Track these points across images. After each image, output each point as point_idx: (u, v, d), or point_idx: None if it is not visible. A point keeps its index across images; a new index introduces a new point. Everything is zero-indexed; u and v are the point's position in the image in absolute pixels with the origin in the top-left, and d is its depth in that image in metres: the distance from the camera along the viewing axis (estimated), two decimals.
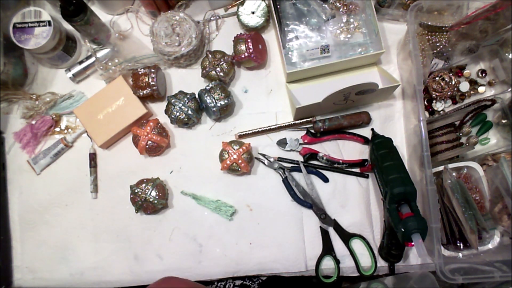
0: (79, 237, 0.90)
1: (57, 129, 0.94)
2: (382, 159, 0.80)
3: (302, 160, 0.90)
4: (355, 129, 0.91)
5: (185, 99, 0.88)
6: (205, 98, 0.87)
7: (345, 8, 0.91)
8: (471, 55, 0.91)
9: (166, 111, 0.89)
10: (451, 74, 0.89)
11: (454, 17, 0.88)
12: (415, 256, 0.86)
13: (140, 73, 0.88)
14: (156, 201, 0.84)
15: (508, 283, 0.75)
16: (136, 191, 0.85)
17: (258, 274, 0.87)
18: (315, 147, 0.90)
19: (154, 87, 0.88)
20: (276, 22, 0.88)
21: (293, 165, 0.89)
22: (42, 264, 0.89)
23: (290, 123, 0.91)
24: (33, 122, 0.92)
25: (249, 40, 0.88)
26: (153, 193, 0.84)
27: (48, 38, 0.84)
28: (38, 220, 0.91)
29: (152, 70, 0.88)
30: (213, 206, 0.88)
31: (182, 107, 0.87)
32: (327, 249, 0.85)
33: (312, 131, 0.90)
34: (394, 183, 0.75)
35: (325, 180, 0.89)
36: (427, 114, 0.92)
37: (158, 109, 0.94)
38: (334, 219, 0.87)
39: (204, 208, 0.89)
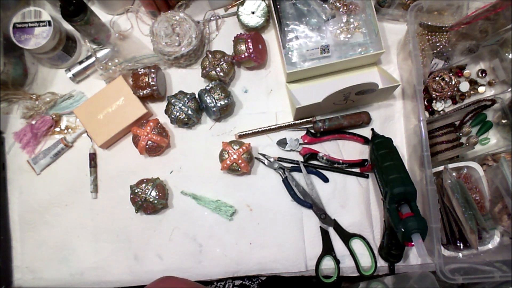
0: (79, 237, 0.90)
1: (57, 129, 0.94)
2: (382, 159, 0.80)
3: (302, 160, 0.90)
4: (355, 129, 0.91)
5: (185, 99, 0.88)
6: (205, 98, 0.87)
7: (345, 8, 0.91)
8: (471, 55, 0.91)
9: (166, 111, 0.89)
10: (451, 74, 0.89)
11: (454, 17, 0.88)
12: (415, 256, 0.86)
13: (140, 73, 0.88)
14: (156, 201, 0.84)
15: (508, 283, 0.75)
16: (136, 191, 0.85)
17: (258, 274, 0.87)
18: (315, 147, 0.90)
19: (154, 87, 0.88)
20: (276, 22, 0.88)
21: (293, 165, 0.89)
22: (42, 264, 0.89)
23: (290, 123, 0.91)
24: (33, 122, 0.92)
25: (249, 40, 0.88)
26: (153, 193, 0.84)
27: (48, 38, 0.84)
28: (38, 220, 0.91)
29: (152, 70, 0.88)
30: (213, 206, 0.88)
31: (182, 107, 0.87)
32: (327, 249, 0.85)
33: (312, 131, 0.90)
34: (394, 183, 0.75)
35: (325, 180, 0.89)
36: (427, 114, 0.92)
37: (158, 109, 0.94)
38: (334, 219, 0.87)
39: (204, 208, 0.89)
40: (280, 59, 0.92)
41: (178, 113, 0.87)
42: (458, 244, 0.82)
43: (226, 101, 0.87)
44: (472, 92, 0.91)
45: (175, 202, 0.90)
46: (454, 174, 0.85)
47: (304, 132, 0.91)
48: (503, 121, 0.88)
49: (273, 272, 0.87)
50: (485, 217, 0.83)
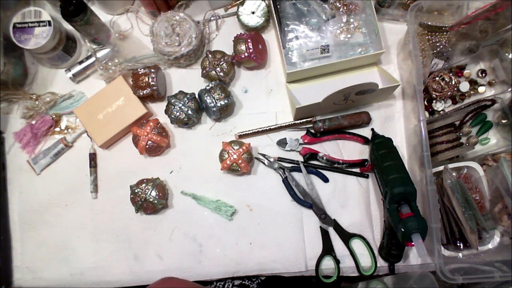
0: (79, 237, 0.90)
1: (57, 129, 0.94)
2: (382, 159, 0.80)
3: (302, 160, 0.90)
4: (355, 129, 0.91)
5: (185, 99, 0.88)
6: (205, 98, 0.87)
7: (345, 8, 0.91)
8: (471, 55, 0.91)
9: (166, 111, 0.89)
10: (451, 74, 0.89)
11: (454, 17, 0.88)
12: (415, 256, 0.86)
13: (140, 73, 0.88)
14: (156, 201, 0.84)
15: (508, 283, 0.75)
16: (136, 191, 0.85)
17: (258, 274, 0.87)
18: (315, 147, 0.90)
19: (154, 87, 0.88)
20: (276, 22, 0.88)
21: (293, 165, 0.89)
22: (42, 264, 0.89)
23: (290, 123, 0.91)
24: (33, 122, 0.92)
25: (249, 40, 0.88)
26: (153, 193, 0.84)
27: (48, 38, 0.84)
28: (38, 220, 0.91)
29: (152, 70, 0.88)
30: (213, 206, 0.88)
31: (182, 107, 0.87)
32: (327, 249, 0.85)
33: (312, 131, 0.90)
34: (394, 183, 0.75)
35: (325, 180, 0.89)
36: (427, 114, 0.92)
37: (158, 109, 0.94)
38: (334, 219, 0.87)
39: (204, 208, 0.89)
40: (280, 59, 0.92)
41: (178, 113, 0.87)
42: (458, 244, 0.82)
43: (226, 101, 0.87)
44: (472, 92, 0.91)
45: (175, 202, 0.90)
46: (454, 174, 0.85)
47: (304, 132, 0.91)
48: (503, 121, 0.88)
49: (273, 272, 0.87)
50: (485, 217, 0.83)
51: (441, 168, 0.84)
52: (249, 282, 0.86)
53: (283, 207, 0.88)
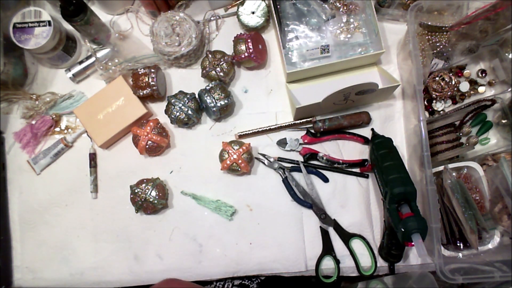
0: (79, 237, 0.90)
1: (57, 129, 0.94)
2: (382, 159, 0.80)
3: (302, 160, 0.90)
4: (355, 129, 0.91)
5: (185, 99, 0.88)
6: (205, 98, 0.87)
7: (345, 8, 0.91)
8: (471, 55, 0.91)
9: (166, 111, 0.89)
10: (451, 74, 0.89)
11: (454, 17, 0.88)
12: (415, 256, 0.86)
13: (140, 73, 0.88)
14: (156, 201, 0.84)
15: (508, 283, 0.75)
16: (136, 191, 0.85)
17: (258, 274, 0.87)
18: (315, 147, 0.90)
19: (154, 87, 0.88)
20: (276, 22, 0.88)
21: (293, 165, 0.89)
22: (42, 264, 0.89)
23: (290, 123, 0.91)
24: (33, 122, 0.92)
25: (249, 40, 0.88)
26: (153, 193, 0.84)
27: (48, 38, 0.84)
28: (38, 220, 0.91)
29: (152, 70, 0.88)
30: (213, 206, 0.88)
31: (182, 107, 0.87)
32: (327, 249, 0.85)
33: (312, 131, 0.90)
34: (394, 183, 0.75)
35: (325, 180, 0.89)
36: (427, 114, 0.92)
37: (158, 109, 0.94)
38: (334, 219, 0.87)
39: (204, 208, 0.89)
40: (280, 59, 0.92)
41: (178, 113, 0.87)
42: (458, 244, 0.82)
43: (226, 101, 0.87)
44: (472, 92, 0.91)
45: (175, 202, 0.90)
46: (454, 174, 0.85)
47: (304, 132, 0.91)
48: (503, 121, 0.88)
49: (273, 272, 0.87)
50: (485, 217, 0.83)
51: (441, 168, 0.84)
52: (249, 282, 0.86)
53: (283, 207, 0.88)
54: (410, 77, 0.85)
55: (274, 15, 0.89)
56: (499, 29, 0.85)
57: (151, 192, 0.84)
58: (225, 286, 0.86)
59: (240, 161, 0.85)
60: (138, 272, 0.87)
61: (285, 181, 0.88)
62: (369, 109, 0.92)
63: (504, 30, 0.84)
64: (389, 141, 0.84)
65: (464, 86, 0.90)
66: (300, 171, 0.89)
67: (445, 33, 0.88)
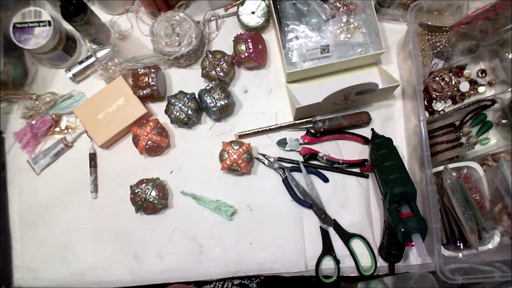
0: (79, 237, 0.90)
1: (57, 129, 0.94)
2: (382, 159, 0.80)
3: (302, 160, 0.89)
4: (355, 129, 0.91)
5: (185, 99, 0.88)
6: (205, 98, 0.87)
7: (345, 8, 0.91)
8: (471, 55, 0.91)
9: (166, 111, 0.89)
10: (451, 74, 0.89)
11: (454, 17, 0.88)
12: (415, 256, 0.86)
13: (140, 73, 0.88)
14: (156, 201, 0.84)
15: (508, 283, 0.75)
16: (136, 191, 0.85)
17: (258, 274, 0.87)
18: (315, 147, 0.90)
19: (154, 87, 0.88)
20: (276, 22, 0.88)
21: (293, 165, 0.89)
22: (42, 264, 0.89)
23: (290, 123, 0.91)
24: (33, 122, 0.92)
25: (249, 40, 0.88)
26: (153, 193, 0.84)
27: (48, 38, 0.84)
28: (38, 220, 0.91)
29: (152, 70, 0.88)
30: (213, 206, 0.88)
31: (182, 107, 0.87)
32: (327, 249, 0.85)
33: (312, 131, 0.90)
34: (394, 183, 0.75)
35: (325, 180, 0.89)
36: (427, 114, 0.92)
37: (158, 109, 0.94)
38: (334, 219, 0.87)
39: (204, 208, 0.89)
40: (280, 59, 0.92)
41: (178, 113, 0.87)
42: (458, 244, 0.82)
43: (226, 101, 0.87)
44: (472, 92, 0.91)
45: (175, 202, 0.90)
46: (454, 174, 0.85)
47: (304, 132, 0.91)
48: (503, 121, 0.88)
49: (273, 272, 0.87)
50: (485, 217, 0.82)
51: (441, 168, 0.84)
52: (249, 281, 0.86)
53: (283, 207, 0.88)
54: (410, 77, 0.85)
55: (274, 15, 0.89)
56: (499, 29, 0.85)
57: (151, 192, 0.84)
58: (225, 285, 0.86)
59: (240, 161, 0.85)
60: (138, 272, 0.87)
61: (285, 181, 0.88)
62: (369, 109, 0.92)
63: (504, 30, 0.84)
64: (389, 141, 0.84)
65: (464, 86, 0.90)
66: (300, 171, 0.89)
67: (445, 33, 0.88)
